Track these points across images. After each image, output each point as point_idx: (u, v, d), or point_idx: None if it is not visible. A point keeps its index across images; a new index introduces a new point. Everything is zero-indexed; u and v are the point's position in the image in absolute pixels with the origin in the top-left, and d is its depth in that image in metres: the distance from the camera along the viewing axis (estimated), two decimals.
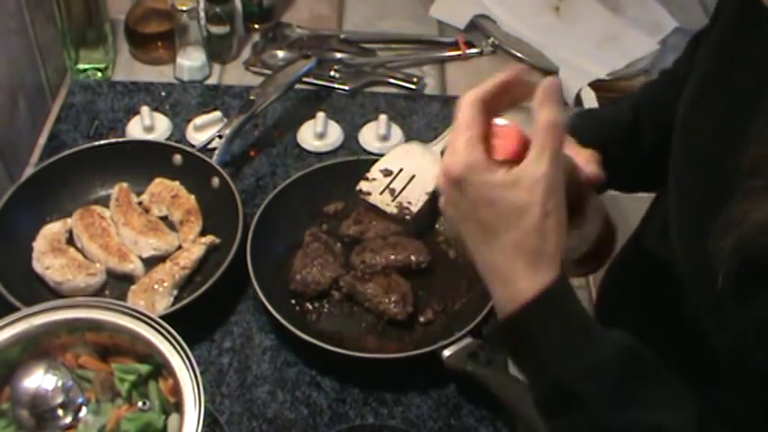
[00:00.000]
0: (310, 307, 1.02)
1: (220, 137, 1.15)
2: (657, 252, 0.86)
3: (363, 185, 1.09)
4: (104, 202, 1.11)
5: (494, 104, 0.68)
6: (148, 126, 1.22)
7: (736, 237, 0.63)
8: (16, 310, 0.78)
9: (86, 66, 1.32)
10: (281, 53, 1.39)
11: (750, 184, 0.63)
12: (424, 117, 1.30)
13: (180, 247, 1.06)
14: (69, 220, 1.07)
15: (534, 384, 0.67)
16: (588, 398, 0.63)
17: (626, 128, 0.93)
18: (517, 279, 0.65)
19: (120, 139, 1.17)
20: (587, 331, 0.65)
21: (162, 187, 1.11)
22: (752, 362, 0.67)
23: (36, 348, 0.75)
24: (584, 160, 0.82)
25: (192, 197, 1.10)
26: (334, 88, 1.35)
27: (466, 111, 0.66)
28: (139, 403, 0.75)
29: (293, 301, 1.02)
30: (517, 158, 0.66)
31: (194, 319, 0.97)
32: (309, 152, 1.24)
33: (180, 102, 1.30)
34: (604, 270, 1.03)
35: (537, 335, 0.65)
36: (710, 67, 0.77)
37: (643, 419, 0.63)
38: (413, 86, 1.36)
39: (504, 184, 0.63)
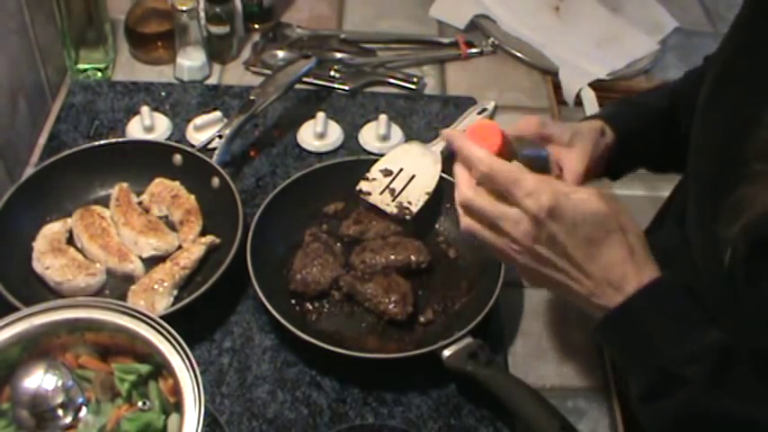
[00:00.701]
0: (310, 307, 1.02)
1: (220, 137, 1.15)
2: (675, 241, 0.87)
3: (363, 185, 1.09)
4: (104, 202, 1.11)
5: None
6: (148, 126, 1.22)
7: (745, 220, 0.64)
8: (16, 310, 0.78)
9: (86, 66, 1.32)
10: (281, 53, 1.39)
11: (757, 169, 0.64)
12: (424, 117, 1.30)
13: (180, 247, 1.06)
14: (69, 220, 1.07)
15: (639, 374, 0.70)
16: (692, 380, 0.66)
17: (663, 114, 0.95)
18: (629, 276, 0.69)
19: (120, 139, 1.16)
20: (694, 320, 0.69)
21: (162, 187, 1.11)
22: (764, 343, 0.68)
23: (36, 348, 0.75)
24: (571, 162, 0.86)
25: (192, 197, 1.10)
26: (334, 88, 1.35)
27: (485, 157, 0.70)
28: (139, 403, 0.75)
29: (293, 301, 1.02)
30: (503, 150, 0.71)
31: (194, 319, 0.97)
32: (309, 152, 1.24)
33: (180, 102, 1.30)
34: None
35: (649, 320, 0.69)
36: (729, 56, 0.78)
37: (738, 407, 0.66)
38: (413, 86, 1.36)
39: (590, 196, 0.69)
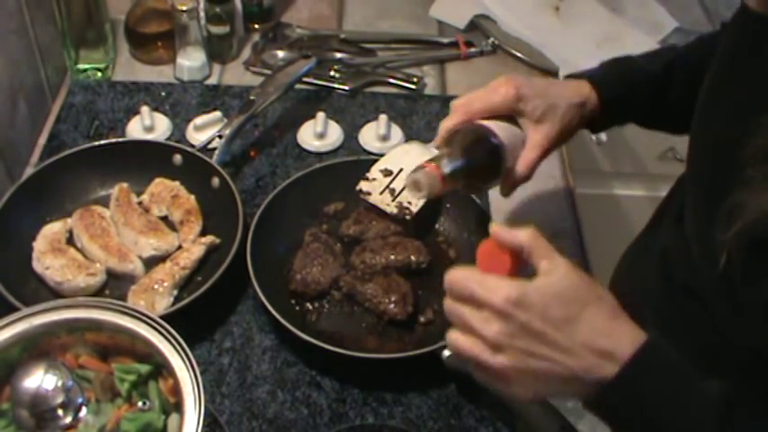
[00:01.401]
0: (310, 307, 1.02)
1: (220, 137, 1.15)
2: (673, 240, 0.87)
3: (363, 185, 1.09)
4: (104, 202, 1.11)
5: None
6: (148, 126, 1.22)
7: (739, 225, 0.64)
8: (16, 310, 0.78)
9: (86, 66, 1.32)
10: (281, 53, 1.39)
11: (751, 174, 0.64)
12: (424, 117, 1.30)
13: (180, 247, 1.06)
14: (69, 220, 1.07)
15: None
16: None
17: (654, 80, 0.96)
18: (619, 342, 0.66)
19: (120, 139, 1.17)
20: (689, 375, 0.67)
21: (162, 187, 1.11)
22: (763, 342, 0.68)
23: (36, 348, 0.75)
24: (530, 145, 0.90)
25: (192, 197, 1.10)
26: (334, 88, 1.35)
27: (465, 272, 0.70)
28: (139, 403, 0.75)
29: (293, 301, 1.02)
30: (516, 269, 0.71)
31: (194, 319, 0.97)
32: (309, 152, 1.24)
33: (180, 102, 1.30)
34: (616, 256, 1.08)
35: (645, 388, 0.67)
36: (726, 58, 0.78)
37: None
38: (413, 86, 1.36)
39: (554, 275, 0.67)
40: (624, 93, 0.96)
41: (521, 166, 0.90)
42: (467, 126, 0.89)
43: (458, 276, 0.70)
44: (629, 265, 1.05)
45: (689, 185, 0.83)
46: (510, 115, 0.91)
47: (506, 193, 0.93)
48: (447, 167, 0.85)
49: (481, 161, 0.88)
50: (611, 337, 0.67)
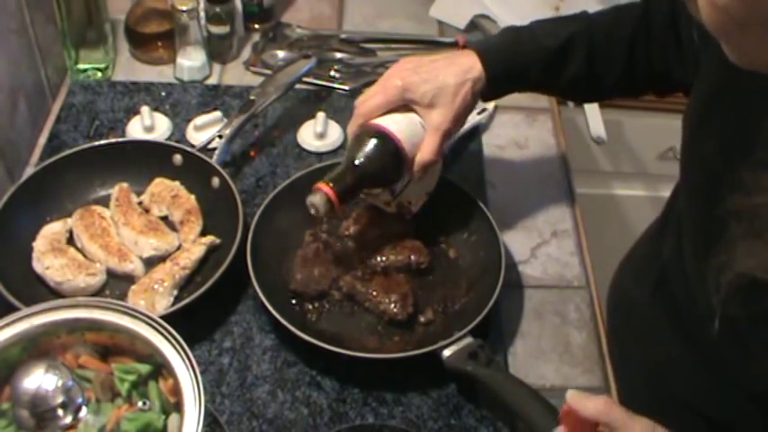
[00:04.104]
0: (310, 307, 1.02)
1: (220, 137, 1.15)
2: (672, 256, 0.87)
3: None
4: (104, 202, 1.11)
5: None
6: (148, 126, 1.22)
7: (727, 281, 0.65)
8: (16, 310, 0.78)
9: (86, 66, 1.32)
10: (281, 53, 1.39)
11: (734, 230, 0.65)
12: None
13: (180, 247, 1.06)
14: (69, 220, 1.07)
15: None
16: None
17: (549, 55, 0.97)
18: None
19: (120, 139, 1.17)
20: None
21: (162, 187, 1.11)
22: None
23: (36, 348, 0.75)
24: (433, 122, 0.92)
25: (192, 197, 1.10)
26: (334, 88, 1.35)
27: None
28: (139, 403, 0.75)
29: (293, 301, 1.02)
30: None
31: (194, 319, 0.97)
32: (309, 152, 1.24)
33: (180, 102, 1.30)
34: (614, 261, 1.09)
35: None
36: (711, 96, 0.78)
37: None
38: None
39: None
40: (513, 68, 0.96)
41: (423, 153, 0.93)
42: (361, 130, 0.93)
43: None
44: (631, 270, 1.05)
45: (685, 208, 0.83)
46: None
47: (418, 175, 0.96)
48: (338, 185, 0.89)
49: (374, 166, 0.92)
50: None
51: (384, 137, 0.92)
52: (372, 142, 0.92)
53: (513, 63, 0.96)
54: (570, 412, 0.75)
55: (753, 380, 0.75)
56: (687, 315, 0.85)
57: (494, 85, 0.95)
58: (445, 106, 0.92)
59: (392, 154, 0.92)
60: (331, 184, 0.90)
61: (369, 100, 0.93)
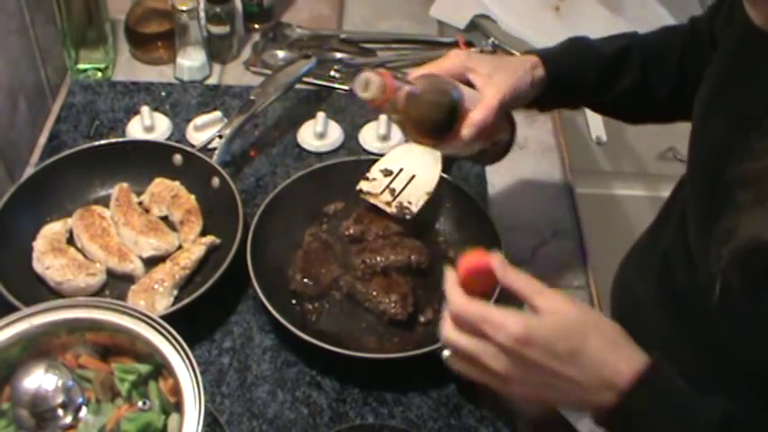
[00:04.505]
0: (310, 307, 1.02)
1: (220, 137, 1.15)
2: (676, 243, 0.87)
3: (363, 185, 1.09)
4: (104, 202, 1.11)
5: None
6: (148, 126, 1.22)
7: (731, 248, 0.65)
8: (16, 310, 0.78)
9: (86, 66, 1.32)
10: (281, 53, 1.39)
11: (740, 199, 0.65)
12: None
13: (180, 247, 1.06)
14: (69, 220, 1.07)
15: None
16: None
17: (605, 63, 0.96)
18: (618, 371, 0.68)
19: (120, 139, 1.17)
20: (692, 401, 0.69)
21: (162, 187, 1.11)
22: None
23: (36, 348, 0.75)
24: (487, 93, 0.88)
25: (192, 197, 1.10)
26: (334, 88, 1.35)
27: (459, 297, 0.72)
28: (139, 403, 0.75)
29: (293, 301, 1.02)
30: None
31: (194, 319, 0.97)
32: (309, 152, 1.24)
33: (180, 102, 1.30)
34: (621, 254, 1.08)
35: (648, 413, 0.68)
36: (724, 71, 0.78)
37: None
38: None
39: (554, 311, 0.69)
40: (572, 71, 0.95)
41: (479, 110, 0.87)
42: (426, 77, 0.88)
43: (463, 308, 0.71)
44: (634, 265, 1.05)
45: (689, 193, 0.83)
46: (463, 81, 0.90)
47: (466, 134, 0.88)
48: (401, 85, 0.83)
49: (435, 101, 0.85)
50: (612, 366, 0.68)
51: (452, 91, 0.87)
52: (437, 83, 0.87)
53: (572, 66, 0.95)
54: (473, 268, 0.73)
55: (751, 357, 0.75)
56: (689, 305, 0.85)
57: (552, 84, 0.93)
58: (505, 76, 0.89)
59: (450, 101, 0.86)
60: (394, 77, 0.83)
61: (429, 68, 0.90)
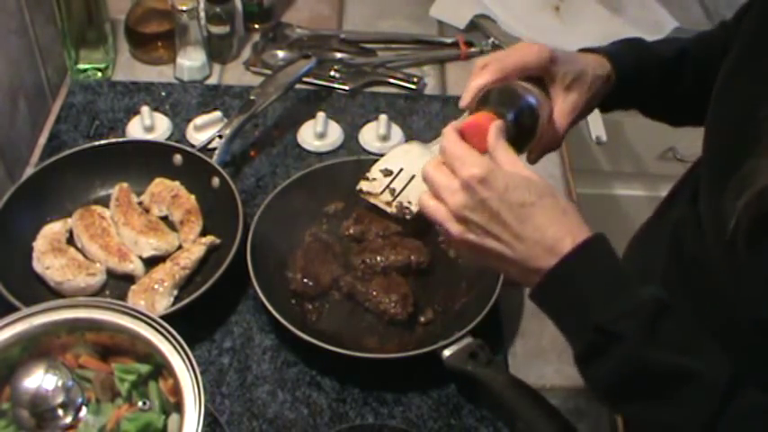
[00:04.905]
0: (310, 307, 1.02)
1: (220, 137, 1.15)
2: (686, 214, 0.87)
3: (363, 185, 1.09)
4: (104, 202, 1.11)
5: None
6: (148, 126, 1.22)
7: (748, 194, 0.65)
8: (16, 310, 0.78)
9: (86, 66, 1.32)
10: (281, 53, 1.39)
11: (764, 144, 0.65)
12: (424, 117, 1.30)
13: (180, 247, 1.06)
14: (69, 220, 1.07)
15: (576, 334, 0.72)
16: (627, 335, 0.67)
17: (665, 63, 0.96)
18: (563, 237, 0.70)
19: (120, 139, 1.17)
20: (627, 278, 0.71)
21: (162, 187, 1.11)
22: (765, 313, 0.69)
23: (36, 348, 0.75)
24: (561, 112, 0.88)
25: (192, 197, 1.10)
26: (334, 88, 1.35)
27: (451, 135, 0.76)
28: (139, 403, 0.75)
29: (293, 301, 1.02)
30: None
31: (194, 319, 0.97)
32: (309, 152, 1.24)
33: (180, 102, 1.30)
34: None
35: (584, 279, 0.70)
36: (752, 38, 0.79)
37: (675, 360, 0.67)
38: (413, 86, 1.36)
39: (524, 173, 0.72)
40: (637, 72, 0.94)
41: (553, 131, 0.87)
42: (501, 85, 0.84)
43: (448, 143, 0.75)
44: (641, 240, 1.05)
45: (705, 163, 0.83)
46: (537, 78, 0.87)
47: (535, 159, 0.90)
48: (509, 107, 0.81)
49: (523, 120, 0.83)
50: (557, 230, 0.70)
51: (530, 99, 0.84)
52: (520, 99, 0.83)
53: (636, 67, 0.94)
54: (476, 125, 0.77)
55: (753, 318, 0.75)
56: (696, 276, 0.85)
57: (620, 86, 0.92)
58: (581, 93, 0.87)
59: (534, 119, 0.84)
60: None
61: (508, 58, 0.86)
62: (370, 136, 1.25)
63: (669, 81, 0.96)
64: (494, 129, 0.76)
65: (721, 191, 0.71)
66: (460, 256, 0.75)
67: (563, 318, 0.74)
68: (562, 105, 0.87)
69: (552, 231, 0.70)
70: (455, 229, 0.73)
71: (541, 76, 0.86)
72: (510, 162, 0.73)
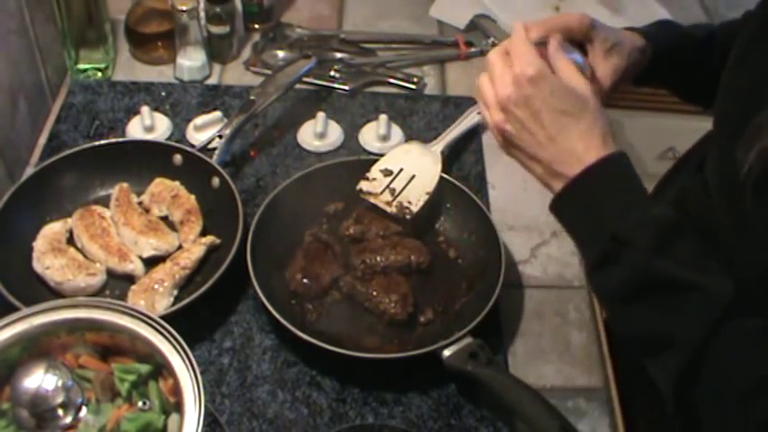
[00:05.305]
0: (310, 307, 1.02)
1: (220, 137, 1.15)
2: (692, 180, 0.88)
3: (363, 185, 1.09)
4: (104, 202, 1.11)
5: None
6: (148, 126, 1.22)
7: (760, 145, 0.66)
8: (16, 310, 0.78)
9: (86, 66, 1.32)
10: (281, 53, 1.39)
11: None
12: (424, 117, 1.30)
13: (180, 247, 1.06)
14: (69, 220, 1.07)
15: (591, 243, 0.76)
16: (639, 245, 0.71)
17: (699, 43, 0.98)
18: (590, 152, 0.75)
19: (120, 139, 1.17)
20: (643, 194, 0.76)
21: (162, 187, 1.11)
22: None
23: (36, 348, 0.75)
24: (602, 76, 0.90)
25: (192, 197, 1.10)
26: (334, 88, 1.35)
27: (520, 32, 0.81)
28: (139, 403, 0.75)
29: (293, 302, 1.02)
30: None
31: (194, 319, 0.97)
32: (309, 152, 1.24)
33: (180, 102, 1.30)
34: None
35: (603, 189, 0.76)
36: None
37: (682, 273, 0.70)
38: (413, 86, 1.36)
39: (576, 83, 0.78)
40: (671, 49, 0.96)
41: (597, 93, 0.88)
42: (555, 48, 0.85)
43: (514, 37, 0.80)
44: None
45: (717, 121, 0.84)
46: (579, 44, 0.90)
47: None
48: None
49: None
50: (587, 144, 0.76)
51: (578, 58, 0.86)
52: (570, 58, 0.85)
53: (671, 43, 0.97)
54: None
55: (746, 266, 0.76)
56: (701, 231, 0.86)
57: (656, 59, 0.94)
58: (620, 60, 0.90)
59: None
60: None
61: (554, 19, 0.90)
62: (370, 136, 1.25)
63: (700, 62, 0.97)
64: (554, 41, 0.81)
65: (733, 141, 0.72)
66: (497, 142, 0.83)
67: (579, 226, 0.79)
68: (603, 68, 0.89)
69: (583, 144, 0.76)
70: (497, 116, 0.79)
71: (582, 42, 0.90)
72: (567, 71, 0.78)
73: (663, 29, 0.99)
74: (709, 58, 0.96)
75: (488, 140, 1.28)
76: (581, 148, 0.75)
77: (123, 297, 1.00)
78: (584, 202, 0.77)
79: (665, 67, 0.97)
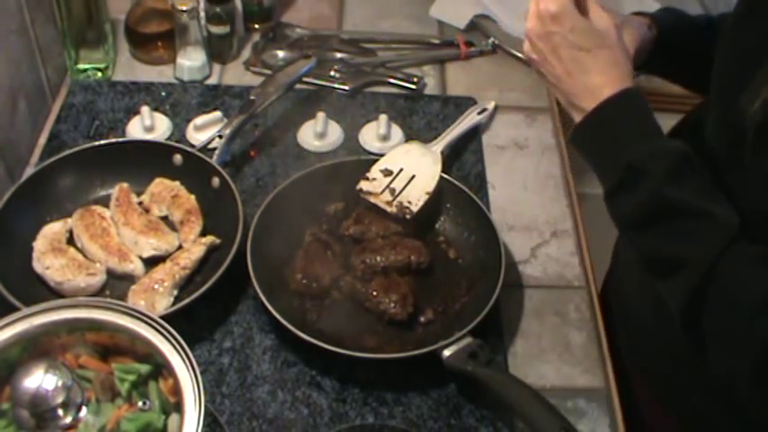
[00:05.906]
0: (310, 307, 1.02)
1: (220, 137, 1.15)
2: (688, 138, 0.89)
3: (363, 185, 1.09)
4: (104, 202, 1.11)
5: None
6: (148, 126, 1.22)
7: (762, 97, 0.69)
8: (16, 310, 0.78)
9: (86, 66, 1.32)
10: (281, 53, 1.39)
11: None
12: (424, 117, 1.30)
13: (180, 247, 1.06)
14: (69, 220, 1.07)
15: (609, 172, 0.81)
16: (654, 174, 0.76)
17: (702, 28, 1.01)
18: (606, 87, 0.81)
19: (120, 139, 1.17)
20: (657, 128, 0.81)
21: (162, 187, 1.11)
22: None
23: (36, 348, 0.75)
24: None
25: (192, 197, 1.10)
26: (334, 88, 1.35)
27: None
28: (139, 403, 0.75)
29: (293, 302, 1.02)
30: None
31: (194, 319, 0.97)
32: (309, 152, 1.24)
33: (180, 102, 1.30)
34: None
35: (619, 122, 0.81)
36: None
37: (694, 200, 0.75)
38: (413, 86, 1.36)
39: (598, 19, 0.82)
40: (676, 32, 0.99)
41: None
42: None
43: None
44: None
45: (717, 78, 0.85)
46: None
47: None
48: None
49: None
50: (602, 80, 0.81)
51: None
52: None
53: (676, 26, 0.99)
54: None
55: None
56: None
57: (662, 42, 0.97)
58: (633, 34, 0.93)
59: None
60: None
61: None
62: (370, 136, 1.25)
63: (701, 48, 0.97)
64: None
65: (735, 97, 0.74)
66: (529, 60, 0.89)
67: (597, 156, 0.84)
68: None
69: (598, 79, 0.81)
70: (526, 45, 0.87)
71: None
72: (596, 11, 0.82)
73: (667, 13, 1.02)
74: (710, 45, 0.97)
75: (488, 140, 1.28)
76: (594, 85, 0.81)
77: (123, 297, 1.00)
78: (601, 134, 0.82)
79: (669, 49, 0.99)
